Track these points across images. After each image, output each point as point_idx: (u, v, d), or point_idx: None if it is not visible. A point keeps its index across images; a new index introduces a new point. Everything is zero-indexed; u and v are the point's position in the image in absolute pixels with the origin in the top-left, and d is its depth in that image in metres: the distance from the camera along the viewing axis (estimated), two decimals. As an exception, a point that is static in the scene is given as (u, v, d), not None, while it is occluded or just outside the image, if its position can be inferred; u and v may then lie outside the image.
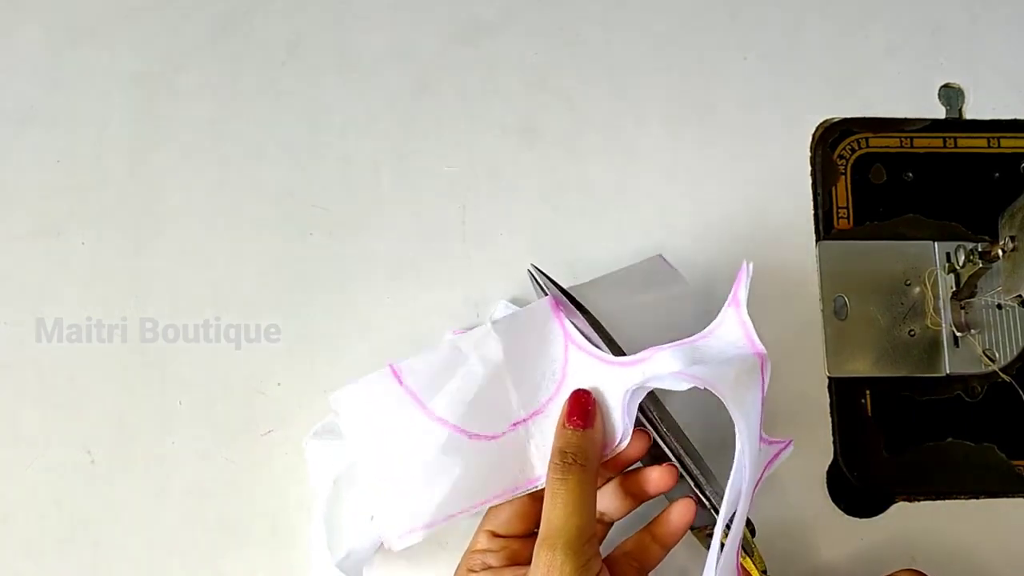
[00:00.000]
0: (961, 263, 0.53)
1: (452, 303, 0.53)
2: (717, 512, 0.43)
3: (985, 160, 0.58)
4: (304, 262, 0.54)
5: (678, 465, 0.45)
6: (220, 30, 0.57)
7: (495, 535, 0.46)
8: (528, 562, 0.44)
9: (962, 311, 0.55)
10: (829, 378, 0.54)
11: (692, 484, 0.45)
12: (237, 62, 0.57)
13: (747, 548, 0.45)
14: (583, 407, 0.45)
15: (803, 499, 0.53)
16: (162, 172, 0.55)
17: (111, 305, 0.53)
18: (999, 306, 0.55)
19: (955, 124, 0.58)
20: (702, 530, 0.46)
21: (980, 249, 0.51)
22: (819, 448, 0.53)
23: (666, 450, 0.45)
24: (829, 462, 0.53)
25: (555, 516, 0.42)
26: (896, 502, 0.53)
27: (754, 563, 0.44)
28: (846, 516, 0.53)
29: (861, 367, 0.54)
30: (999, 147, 0.58)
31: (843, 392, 0.54)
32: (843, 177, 0.57)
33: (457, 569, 0.46)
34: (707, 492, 0.45)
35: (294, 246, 0.54)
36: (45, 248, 0.54)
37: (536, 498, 0.46)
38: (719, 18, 0.59)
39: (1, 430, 0.51)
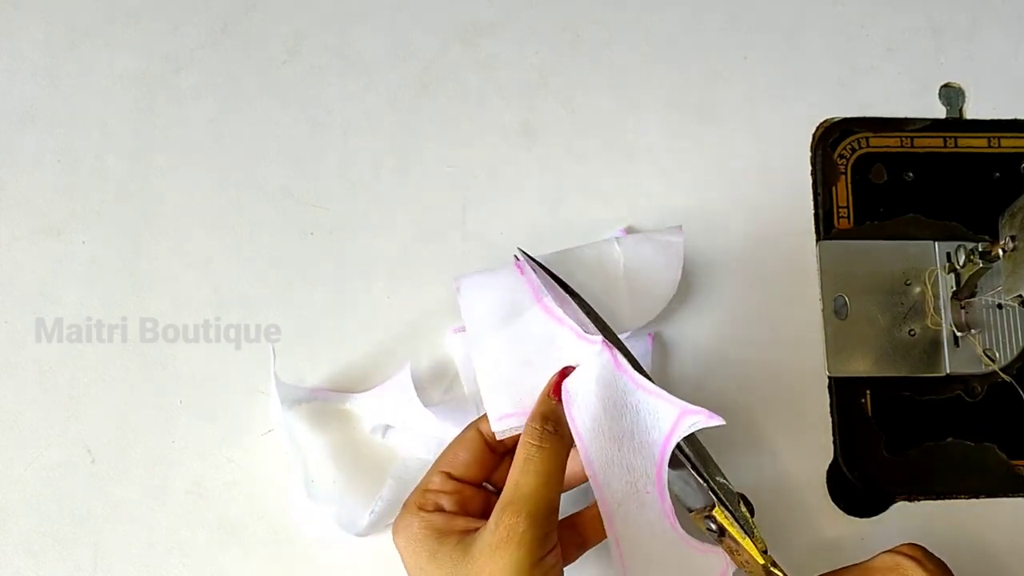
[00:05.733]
0: (961, 263, 0.53)
1: (452, 302, 0.52)
2: (716, 495, 0.44)
3: (985, 160, 0.58)
4: (304, 262, 0.54)
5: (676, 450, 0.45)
6: (220, 30, 0.57)
7: (450, 477, 0.44)
8: (477, 513, 0.43)
9: (962, 311, 0.55)
10: (829, 378, 0.54)
11: (689, 467, 0.45)
12: (237, 62, 0.57)
13: (747, 528, 0.44)
14: None
15: (803, 499, 0.53)
16: (162, 172, 0.55)
17: (111, 305, 0.53)
18: (999, 306, 0.55)
19: (955, 124, 0.58)
20: (700, 512, 0.46)
21: (980, 249, 0.51)
22: (819, 448, 0.53)
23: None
24: (829, 462, 0.53)
25: (526, 482, 0.41)
26: (896, 502, 0.53)
27: (754, 543, 0.44)
28: (846, 516, 0.53)
29: (861, 367, 0.54)
30: (999, 147, 0.58)
31: (843, 392, 0.54)
32: (843, 177, 0.57)
33: (405, 505, 0.44)
34: (702, 472, 0.44)
35: (294, 246, 0.54)
36: (45, 248, 0.54)
37: (494, 450, 0.45)
38: (719, 18, 0.59)
39: (1, 430, 0.51)
